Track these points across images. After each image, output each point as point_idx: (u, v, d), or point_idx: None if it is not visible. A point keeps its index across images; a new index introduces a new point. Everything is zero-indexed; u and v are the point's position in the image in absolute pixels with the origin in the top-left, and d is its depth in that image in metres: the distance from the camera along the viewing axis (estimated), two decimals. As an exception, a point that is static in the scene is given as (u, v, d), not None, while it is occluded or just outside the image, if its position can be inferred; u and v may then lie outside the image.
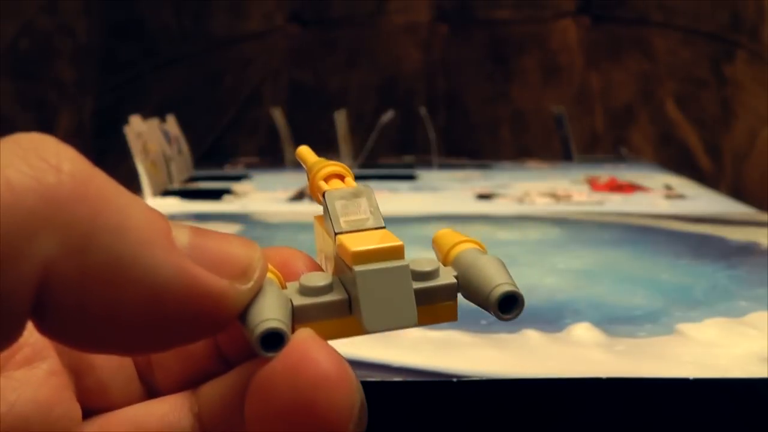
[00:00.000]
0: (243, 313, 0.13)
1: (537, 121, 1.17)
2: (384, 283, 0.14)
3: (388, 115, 0.95)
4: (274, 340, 0.13)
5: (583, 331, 0.33)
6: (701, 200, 0.72)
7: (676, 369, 0.29)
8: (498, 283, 0.15)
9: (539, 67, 1.18)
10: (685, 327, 0.34)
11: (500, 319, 0.15)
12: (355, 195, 0.16)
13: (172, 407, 0.16)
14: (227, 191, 0.74)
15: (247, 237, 0.14)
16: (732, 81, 1.12)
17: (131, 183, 0.76)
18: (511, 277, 0.15)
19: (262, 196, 0.74)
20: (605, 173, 0.87)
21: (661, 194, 0.75)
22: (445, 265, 0.16)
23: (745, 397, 0.28)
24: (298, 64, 1.20)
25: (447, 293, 0.15)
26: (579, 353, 0.31)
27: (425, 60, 1.19)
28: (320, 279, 0.15)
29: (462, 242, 0.16)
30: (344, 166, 0.18)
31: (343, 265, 0.15)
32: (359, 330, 0.15)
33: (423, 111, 1.02)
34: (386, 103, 1.06)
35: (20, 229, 0.11)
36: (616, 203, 0.70)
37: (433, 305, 0.15)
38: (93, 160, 0.13)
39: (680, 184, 0.83)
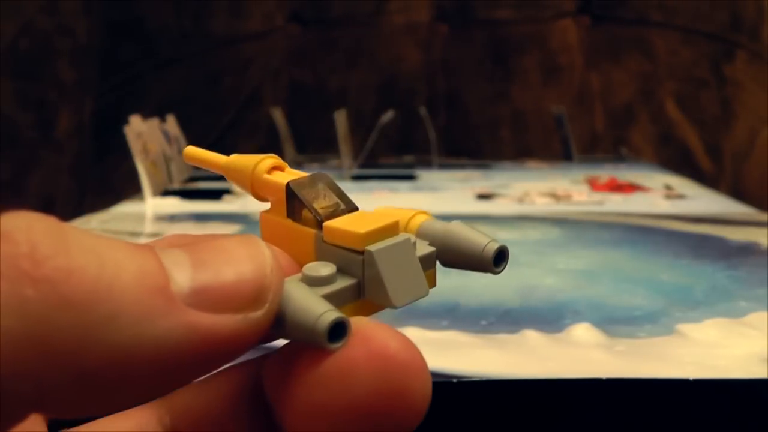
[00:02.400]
0: (277, 318, 0.13)
1: (537, 121, 1.17)
2: (397, 259, 0.15)
3: (388, 115, 0.95)
4: (336, 331, 0.13)
5: (583, 331, 0.33)
6: (701, 200, 0.72)
7: (676, 369, 0.29)
8: (486, 242, 0.16)
9: (539, 67, 1.18)
10: (685, 327, 0.34)
11: (494, 273, 0.16)
12: (316, 181, 0.16)
13: (138, 422, 0.15)
14: (227, 191, 0.74)
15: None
16: (732, 81, 1.12)
17: (131, 183, 0.76)
18: (486, 234, 0.16)
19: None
20: (605, 173, 0.87)
21: (661, 194, 0.75)
22: None
23: (745, 397, 0.28)
24: (298, 64, 1.20)
25: (429, 262, 0.16)
26: (579, 354, 0.31)
27: (425, 60, 1.19)
28: (324, 268, 0.14)
29: (417, 214, 0.17)
30: (276, 156, 0.17)
31: (339, 252, 0.15)
32: (371, 311, 0.15)
33: (423, 111, 1.02)
34: (386, 103, 1.06)
35: (5, 358, 0.10)
36: (616, 203, 0.70)
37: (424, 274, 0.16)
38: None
39: (680, 184, 0.82)
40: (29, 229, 0.11)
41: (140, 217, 0.66)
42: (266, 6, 1.20)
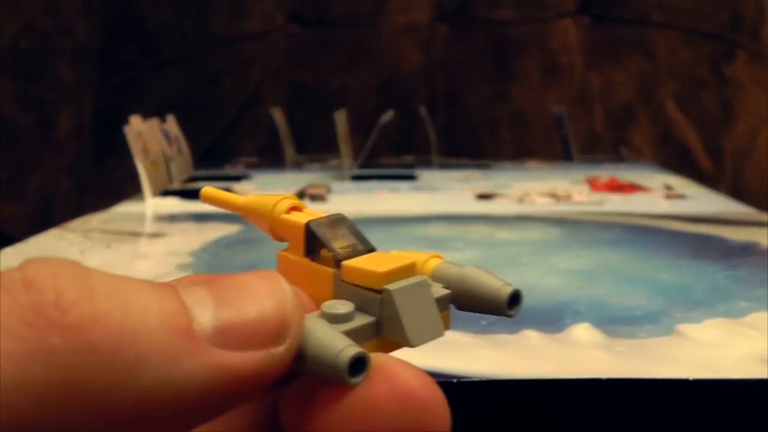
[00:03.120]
0: (298, 354, 0.13)
1: (537, 121, 1.17)
2: (414, 299, 0.15)
3: (388, 115, 0.95)
4: (356, 365, 0.13)
5: (583, 331, 0.33)
6: (701, 200, 0.72)
7: (676, 370, 0.29)
8: (500, 285, 0.16)
9: (539, 67, 1.18)
10: (685, 327, 0.34)
11: (508, 316, 0.16)
12: (335, 222, 0.17)
13: None
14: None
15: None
16: (732, 81, 1.12)
17: (131, 183, 0.76)
18: (499, 278, 0.16)
19: (262, 196, 0.74)
20: (605, 173, 0.87)
21: (661, 194, 0.75)
22: None
23: (746, 397, 0.28)
24: (298, 64, 1.20)
25: (445, 304, 0.16)
26: (579, 354, 0.31)
27: (425, 60, 1.19)
28: (342, 306, 0.15)
29: (431, 258, 0.17)
30: (294, 197, 0.18)
31: (357, 291, 0.15)
32: (389, 349, 0.15)
33: (423, 111, 1.02)
34: (386, 103, 1.06)
35: (33, 406, 0.10)
36: (616, 203, 0.70)
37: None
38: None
39: (680, 184, 0.82)
40: (54, 276, 0.11)
41: (140, 217, 0.66)
42: (266, 6, 1.20)
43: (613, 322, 0.34)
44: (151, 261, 0.50)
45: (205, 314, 0.12)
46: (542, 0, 1.19)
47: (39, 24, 1.16)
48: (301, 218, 0.17)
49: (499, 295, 0.16)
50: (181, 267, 0.46)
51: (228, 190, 0.19)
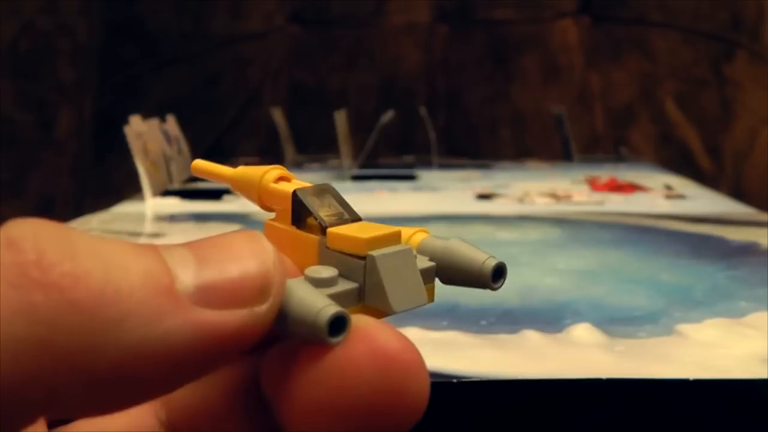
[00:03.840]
0: (280, 314, 0.13)
1: (537, 121, 1.17)
2: (398, 266, 0.15)
3: (388, 115, 0.95)
4: (336, 326, 0.13)
5: (583, 331, 0.33)
6: (701, 200, 0.72)
7: (676, 370, 0.29)
8: (484, 258, 0.16)
9: (539, 67, 1.18)
10: (685, 327, 0.34)
11: (492, 289, 0.16)
12: (321, 191, 0.17)
13: (134, 417, 0.15)
14: (227, 191, 0.74)
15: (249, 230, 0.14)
16: (732, 81, 1.12)
17: (131, 183, 0.76)
18: (483, 251, 0.16)
19: (262, 196, 0.74)
20: (605, 173, 0.87)
21: (661, 194, 0.75)
22: None
23: (745, 397, 0.28)
24: (298, 64, 1.20)
25: (429, 276, 0.16)
26: (579, 354, 0.31)
27: (425, 60, 1.19)
28: (326, 271, 0.15)
29: (417, 232, 0.17)
30: (282, 167, 0.18)
31: (342, 258, 0.15)
32: (372, 316, 0.15)
33: (423, 111, 1.02)
34: (386, 103, 1.06)
35: (15, 365, 0.10)
36: (616, 203, 0.70)
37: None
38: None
39: (680, 184, 0.82)
40: (35, 236, 0.11)
41: (140, 217, 0.66)
42: (266, 6, 1.20)
43: (613, 322, 0.34)
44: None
45: (187, 273, 0.12)
46: (542, 0, 1.19)
47: (39, 24, 1.16)
48: (288, 187, 0.17)
49: (483, 268, 0.16)
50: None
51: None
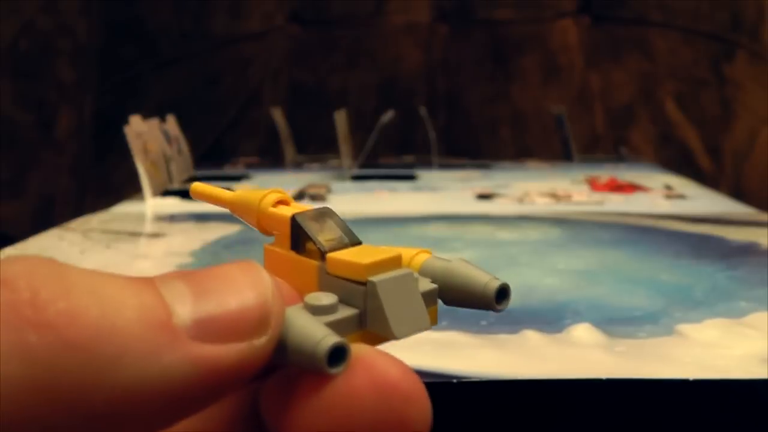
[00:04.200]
0: (279, 344, 0.13)
1: (537, 121, 1.17)
2: (399, 291, 0.15)
3: (388, 115, 0.95)
4: (336, 356, 0.13)
5: (583, 331, 0.33)
6: (701, 200, 0.72)
7: (676, 370, 0.29)
8: (487, 279, 0.16)
9: (539, 67, 1.18)
10: (685, 328, 0.34)
11: (495, 311, 0.16)
12: (321, 215, 0.16)
13: None
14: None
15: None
16: (732, 81, 1.12)
17: (131, 183, 0.76)
18: (486, 271, 0.16)
19: (262, 196, 0.74)
20: (605, 173, 0.87)
21: (661, 194, 0.75)
22: None
23: (745, 397, 0.28)
24: (298, 64, 1.20)
25: (431, 299, 0.16)
26: (579, 354, 0.31)
27: (425, 60, 1.19)
28: (326, 298, 0.15)
29: (419, 253, 0.17)
30: (282, 190, 0.18)
31: (342, 284, 0.15)
32: (373, 343, 0.15)
33: (423, 111, 1.02)
34: (386, 103, 1.06)
35: (11, 405, 0.10)
36: (616, 203, 0.70)
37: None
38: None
39: (680, 184, 0.82)
40: (30, 275, 0.11)
41: (140, 217, 0.66)
42: (266, 6, 1.20)
43: (613, 322, 0.34)
44: (151, 261, 0.50)
45: (184, 307, 0.12)
46: (542, 0, 1.19)
47: (39, 24, 1.16)
48: (287, 212, 0.17)
49: (487, 290, 0.16)
50: (181, 267, 0.46)
51: (227, 190, 0.19)
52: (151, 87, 1.18)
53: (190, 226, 0.62)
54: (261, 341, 0.12)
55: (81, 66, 1.18)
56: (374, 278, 0.15)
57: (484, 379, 0.28)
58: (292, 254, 0.16)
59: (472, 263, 0.16)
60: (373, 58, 1.19)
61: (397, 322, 0.15)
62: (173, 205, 0.71)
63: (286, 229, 0.16)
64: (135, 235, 0.58)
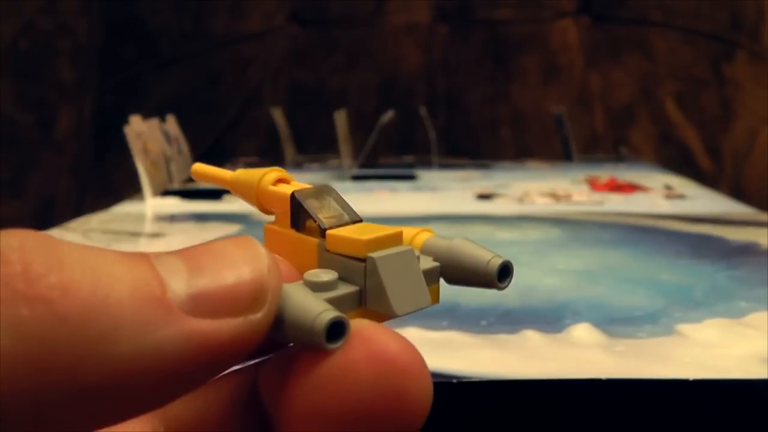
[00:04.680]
0: (276, 320, 0.13)
1: (537, 121, 1.17)
2: (399, 268, 0.15)
3: (388, 115, 0.95)
4: (334, 331, 0.13)
5: (583, 331, 0.33)
6: (701, 200, 0.72)
7: (676, 370, 0.29)
8: (489, 257, 0.16)
9: (539, 67, 1.18)
10: (685, 327, 0.34)
11: (498, 288, 0.16)
12: (321, 193, 0.16)
13: (128, 431, 0.14)
14: (227, 191, 0.73)
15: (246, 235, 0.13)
16: (732, 81, 1.12)
17: (131, 183, 0.76)
18: (489, 250, 0.16)
19: (262, 196, 0.74)
20: (605, 173, 0.87)
21: (661, 194, 0.75)
22: None
23: (745, 398, 0.28)
24: (298, 64, 1.20)
25: (433, 277, 0.16)
26: (579, 354, 0.31)
27: (425, 60, 1.19)
28: (325, 274, 0.14)
29: (421, 232, 0.17)
30: (281, 169, 0.17)
31: (342, 260, 0.15)
32: (374, 320, 0.15)
33: (423, 111, 1.02)
34: (386, 103, 1.06)
35: (2, 380, 0.10)
36: (616, 203, 0.70)
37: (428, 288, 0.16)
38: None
39: (680, 184, 0.82)
40: (21, 247, 0.11)
41: (140, 217, 0.66)
42: (266, 6, 1.20)
43: (613, 322, 0.34)
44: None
45: (178, 282, 0.12)
46: (542, 0, 1.19)
47: (39, 24, 1.16)
48: (287, 189, 0.16)
49: (489, 267, 0.15)
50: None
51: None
52: (151, 87, 1.18)
53: (190, 226, 0.62)
54: (257, 316, 0.12)
55: (81, 66, 1.18)
56: (374, 254, 0.14)
57: (484, 379, 0.28)
58: (292, 232, 0.16)
59: (474, 242, 0.16)
60: (373, 58, 1.19)
61: (398, 299, 0.14)
62: (173, 205, 0.71)
63: (286, 207, 0.16)
64: (135, 235, 0.58)
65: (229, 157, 1.10)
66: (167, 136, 0.83)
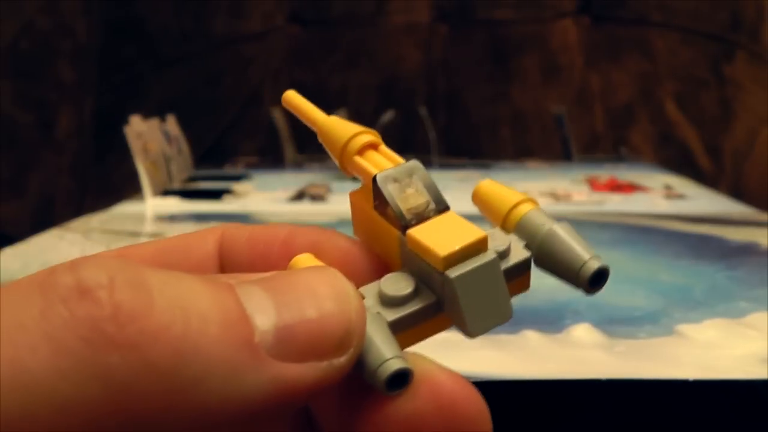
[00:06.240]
0: None
1: (537, 121, 1.17)
2: (480, 283, 0.14)
3: (388, 115, 0.95)
4: (397, 380, 0.12)
5: (582, 332, 0.33)
6: (701, 200, 0.72)
7: (676, 370, 0.29)
8: (587, 258, 0.14)
9: (539, 67, 1.18)
10: (685, 328, 0.34)
11: (587, 293, 0.14)
12: (407, 173, 0.15)
13: None
14: (227, 191, 0.73)
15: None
16: (732, 81, 1.12)
17: (131, 183, 0.76)
18: (589, 246, 0.14)
19: (262, 196, 0.74)
20: (605, 173, 0.87)
21: (661, 194, 0.75)
22: (504, 229, 0.15)
23: (745, 397, 0.28)
24: (298, 64, 1.20)
25: (524, 268, 0.15)
26: (579, 354, 0.31)
27: (425, 60, 1.19)
28: (403, 285, 0.14)
29: (522, 202, 0.15)
30: (373, 131, 0.16)
31: (421, 263, 0.14)
32: (449, 325, 0.14)
33: (423, 111, 1.02)
34: (386, 103, 1.06)
35: (89, 428, 0.10)
36: (616, 203, 0.70)
37: (512, 282, 0.15)
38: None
39: (680, 184, 0.82)
40: (111, 285, 0.11)
41: (140, 217, 0.66)
42: (266, 6, 1.20)
43: (613, 322, 0.34)
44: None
45: (265, 322, 0.11)
46: (542, 0, 1.19)
47: (39, 24, 1.16)
48: (373, 162, 0.15)
49: (584, 270, 0.14)
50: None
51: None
52: (151, 87, 1.18)
53: (190, 226, 0.62)
54: (341, 361, 0.12)
55: (81, 66, 1.18)
56: (452, 272, 0.13)
57: (484, 379, 0.28)
58: (375, 214, 0.15)
59: (576, 232, 0.15)
60: (373, 58, 1.19)
61: (474, 319, 0.14)
62: (173, 205, 0.71)
63: (369, 183, 0.15)
64: (135, 235, 0.58)
65: (229, 157, 1.10)
66: (167, 136, 0.83)
